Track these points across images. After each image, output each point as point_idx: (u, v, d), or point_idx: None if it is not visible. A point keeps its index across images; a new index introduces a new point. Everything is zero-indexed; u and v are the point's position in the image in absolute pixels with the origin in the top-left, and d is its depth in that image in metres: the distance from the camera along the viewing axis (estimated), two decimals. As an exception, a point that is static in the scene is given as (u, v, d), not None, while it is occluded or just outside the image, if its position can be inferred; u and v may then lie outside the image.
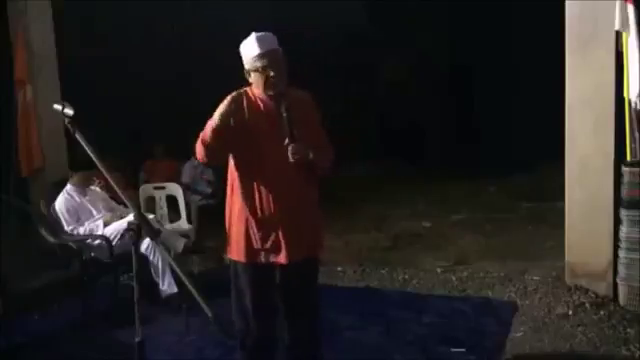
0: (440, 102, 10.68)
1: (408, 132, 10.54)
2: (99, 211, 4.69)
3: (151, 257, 4.42)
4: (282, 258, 2.73)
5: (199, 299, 2.02)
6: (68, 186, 4.70)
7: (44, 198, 4.82)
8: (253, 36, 2.67)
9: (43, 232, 4.52)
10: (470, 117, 10.70)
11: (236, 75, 2.75)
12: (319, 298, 2.99)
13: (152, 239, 2.32)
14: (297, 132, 2.61)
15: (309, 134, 2.69)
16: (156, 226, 3.93)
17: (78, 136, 2.20)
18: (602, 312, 3.94)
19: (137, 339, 2.21)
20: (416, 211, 7.27)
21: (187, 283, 2.07)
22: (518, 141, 9.06)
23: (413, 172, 9.34)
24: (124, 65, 7.45)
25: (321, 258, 3.04)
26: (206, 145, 2.62)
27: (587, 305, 4.03)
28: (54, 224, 4.59)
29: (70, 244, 4.49)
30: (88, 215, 4.65)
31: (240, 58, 2.72)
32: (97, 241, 4.45)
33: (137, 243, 2.37)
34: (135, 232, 2.20)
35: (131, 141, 7.47)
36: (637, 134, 3.96)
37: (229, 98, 2.64)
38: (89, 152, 2.18)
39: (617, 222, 4.05)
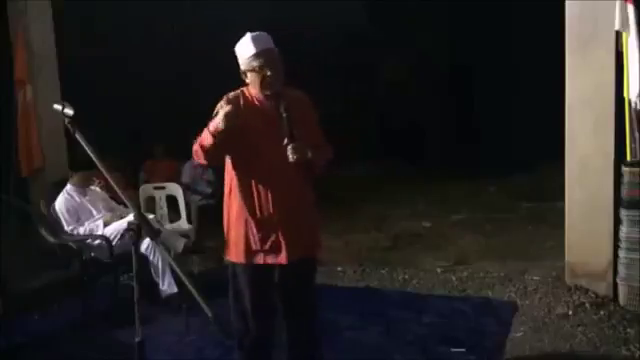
0: (440, 102, 10.68)
1: (408, 132, 10.54)
2: (99, 211, 4.69)
3: (151, 257, 4.42)
4: (281, 259, 2.72)
5: (199, 299, 2.02)
6: (68, 186, 4.70)
7: (44, 198, 4.82)
8: (248, 36, 2.66)
9: (43, 232, 4.52)
10: (470, 117, 10.70)
11: (236, 75, 2.74)
12: (317, 298, 2.99)
13: (152, 239, 2.32)
14: (296, 132, 2.60)
15: (307, 133, 2.69)
16: (156, 226, 3.93)
17: (78, 136, 2.20)
18: (602, 312, 3.94)
19: (137, 339, 2.21)
20: (416, 211, 7.28)
21: (187, 283, 2.07)
22: (518, 141, 9.06)
23: (413, 172, 9.34)
24: (124, 65, 7.46)
25: (321, 258, 3.05)
26: (207, 147, 2.60)
27: (587, 305, 4.03)
28: (54, 224, 4.59)
29: (70, 244, 4.49)
30: (88, 215, 4.65)
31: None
32: (97, 241, 4.45)
33: (137, 243, 2.37)
34: (135, 232, 2.20)
35: (131, 141, 7.48)
36: (637, 134, 3.96)
37: (227, 100, 2.63)
38: (89, 152, 2.18)
39: (617, 222, 4.05)
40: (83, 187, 4.73)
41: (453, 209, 7.17)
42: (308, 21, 9.32)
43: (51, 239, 4.50)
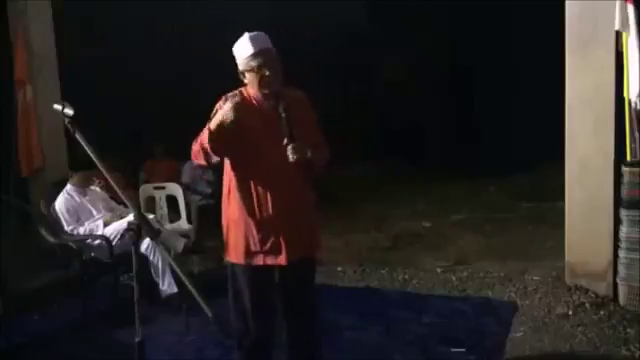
0: (440, 102, 10.68)
1: (408, 132, 10.54)
2: (99, 211, 4.69)
3: (151, 257, 4.42)
4: (281, 259, 2.72)
5: (199, 299, 2.02)
6: (68, 186, 4.70)
7: (44, 198, 4.82)
8: (246, 36, 2.65)
9: (43, 232, 4.52)
10: (470, 117, 10.70)
11: (236, 75, 2.74)
12: (317, 298, 2.99)
13: (152, 239, 2.32)
14: (296, 132, 2.60)
15: (306, 133, 2.67)
16: (156, 226, 3.93)
17: (78, 136, 2.19)
18: (602, 312, 3.94)
19: (137, 339, 2.21)
20: (416, 211, 7.28)
21: (187, 283, 2.07)
22: (518, 141, 9.06)
23: (413, 172, 9.34)
24: (124, 65, 7.46)
25: (321, 258, 3.04)
26: (206, 148, 2.58)
27: (587, 305, 4.03)
28: (54, 224, 4.59)
29: (70, 244, 4.49)
30: (88, 215, 4.65)
31: None
32: (97, 241, 4.45)
33: (137, 243, 2.37)
34: (135, 232, 2.20)
35: (131, 141, 7.48)
36: (637, 134, 3.96)
37: (225, 100, 2.62)
38: (89, 152, 2.18)
39: (617, 222, 4.05)
40: (83, 187, 4.73)
41: (453, 209, 7.17)
42: (308, 21, 9.32)
43: (51, 239, 4.50)
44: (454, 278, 4.80)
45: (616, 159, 4.06)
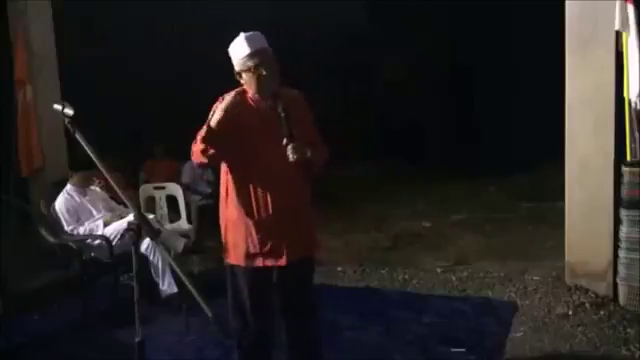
0: (440, 102, 10.68)
1: (408, 132, 10.54)
2: (99, 211, 4.69)
3: (151, 257, 4.42)
4: (281, 261, 2.71)
5: (199, 299, 2.02)
6: (68, 186, 4.70)
7: (44, 198, 4.82)
8: (242, 36, 2.64)
9: (43, 232, 4.52)
10: (470, 117, 10.70)
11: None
12: (317, 298, 2.99)
13: (152, 239, 2.32)
14: (296, 131, 2.59)
15: (304, 133, 2.67)
16: (156, 226, 3.93)
17: (78, 136, 2.19)
18: (602, 312, 3.94)
19: (137, 339, 2.21)
20: (416, 211, 7.28)
21: (187, 283, 2.07)
22: (518, 141, 9.06)
23: (413, 172, 9.34)
24: (124, 65, 7.46)
25: (321, 258, 3.04)
26: (205, 147, 2.57)
27: (587, 305, 4.03)
28: (54, 224, 4.59)
29: (70, 244, 4.49)
30: (88, 215, 4.65)
31: None
32: (97, 241, 4.45)
33: (137, 243, 2.36)
34: (135, 232, 2.20)
35: (131, 141, 7.48)
36: (637, 134, 3.96)
37: (222, 100, 2.61)
38: (89, 152, 2.18)
39: (617, 222, 4.05)
40: (83, 187, 4.73)
41: (453, 209, 7.17)
42: (308, 21, 9.32)
43: (51, 239, 4.50)
44: (454, 278, 4.80)
45: (616, 159, 4.06)
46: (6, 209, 5.30)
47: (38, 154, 5.47)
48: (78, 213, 4.62)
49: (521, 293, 4.39)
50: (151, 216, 4.59)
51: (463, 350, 3.58)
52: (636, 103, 3.92)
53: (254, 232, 2.69)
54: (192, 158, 2.69)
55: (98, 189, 4.87)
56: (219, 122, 2.54)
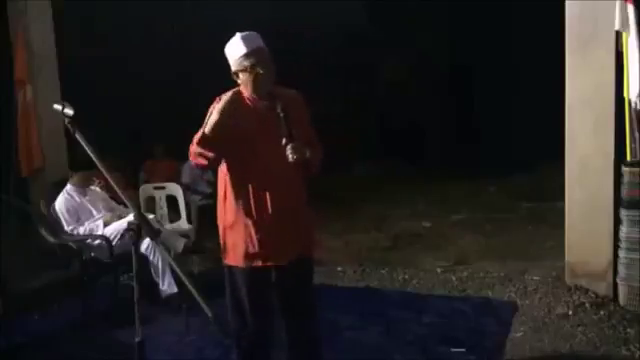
0: (440, 102, 10.69)
1: (408, 132, 10.54)
2: (99, 211, 4.69)
3: (151, 257, 4.42)
4: (280, 260, 2.71)
5: (199, 299, 2.02)
6: (68, 186, 4.70)
7: (44, 198, 4.82)
8: (238, 36, 2.63)
9: (43, 232, 4.52)
10: (470, 117, 10.71)
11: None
12: (317, 298, 2.98)
13: (152, 239, 2.32)
14: (295, 131, 2.58)
15: (302, 133, 2.66)
16: (156, 226, 3.92)
17: (78, 136, 2.19)
18: (602, 312, 3.94)
19: (137, 339, 2.21)
20: (416, 211, 7.28)
21: (187, 283, 2.07)
22: (518, 141, 9.06)
23: (413, 172, 9.35)
24: (124, 65, 7.46)
25: (321, 258, 3.04)
26: (203, 147, 2.55)
27: (587, 305, 4.03)
28: (54, 224, 4.59)
29: (70, 244, 4.49)
30: (88, 215, 4.65)
31: None
32: (97, 241, 4.45)
33: (137, 243, 2.36)
34: (135, 232, 2.20)
35: (131, 141, 7.48)
36: (637, 134, 3.96)
37: (219, 100, 2.60)
38: (89, 152, 2.18)
39: (617, 222, 4.05)
40: (83, 187, 4.73)
41: (453, 209, 7.17)
42: (308, 21, 9.32)
43: (51, 239, 4.50)
44: (454, 278, 4.80)
45: (616, 159, 4.06)
46: (6, 209, 5.30)
47: (38, 154, 5.47)
48: (78, 213, 4.62)
49: (521, 293, 4.39)
50: (151, 216, 4.59)
51: (463, 350, 3.58)
52: (636, 103, 3.92)
53: (253, 232, 2.68)
54: (190, 159, 2.68)
55: (98, 189, 4.87)
56: (216, 123, 2.52)
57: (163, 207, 5.86)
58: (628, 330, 3.70)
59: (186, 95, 7.85)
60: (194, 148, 2.60)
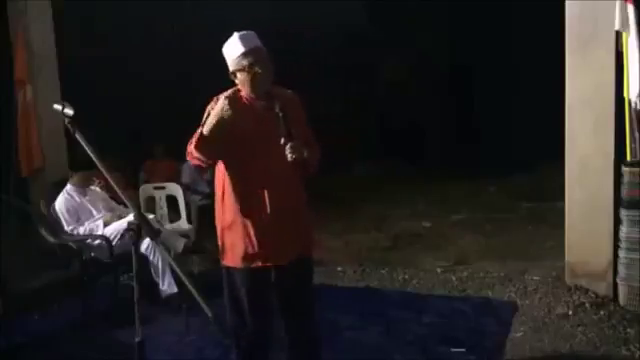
0: (440, 102, 10.69)
1: (408, 132, 10.54)
2: (99, 211, 4.69)
3: (151, 257, 4.42)
4: (280, 260, 2.71)
5: (199, 299, 2.02)
6: (68, 186, 4.70)
7: (44, 198, 4.82)
8: (235, 35, 2.63)
9: (43, 232, 4.52)
10: (470, 117, 10.71)
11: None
12: (317, 298, 2.98)
13: (152, 239, 2.32)
14: (294, 131, 2.58)
15: (300, 133, 2.65)
16: (156, 226, 3.93)
17: (78, 136, 2.19)
18: (602, 312, 3.94)
19: (137, 339, 2.21)
20: (416, 211, 7.28)
21: (187, 283, 2.07)
22: (518, 141, 9.06)
23: (413, 172, 9.35)
24: (124, 65, 7.46)
25: (321, 258, 3.04)
26: (202, 147, 2.54)
27: (587, 305, 4.03)
28: (54, 224, 4.59)
29: (70, 244, 4.49)
30: (88, 215, 4.65)
31: None
32: (97, 241, 4.45)
33: (137, 243, 2.36)
34: (135, 232, 2.20)
35: (131, 141, 7.48)
36: (637, 134, 3.97)
37: (217, 100, 2.59)
38: (89, 152, 2.18)
39: (617, 222, 4.05)
40: (83, 187, 4.73)
41: (453, 209, 7.17)
42: (308, 21, 9.32)
43: (51, 239, 4.50)
44: (454, 278, 4.80)
45: (616, 159, 4.06)
46: (6, 209, 5.30)
47: (38, 154, 5.47)
48: (78, 213, 4.62)
49: (521, 293, 4.39)
50: (151, 216, 4.59)
51: (463, 350, 3.58)
52: (636, 103, 3.92)
53: (252, 232, 2.67)
54: (188, 159, 2.67)
55: (98, 189, 4.87)
56: (215, 123, 2.51)
57: (163, 207, 5.86)
58: (628, 330, 3.70)
59: (186, 95, 7.83)
60: (192, 148, 2.59)
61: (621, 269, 4.02)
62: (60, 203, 4.61)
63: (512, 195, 7.73)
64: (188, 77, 8.26)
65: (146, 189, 5.98)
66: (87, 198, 4.72)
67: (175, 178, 6.45)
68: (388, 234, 6.36)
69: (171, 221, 5.78)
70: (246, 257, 2.69)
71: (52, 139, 5.46)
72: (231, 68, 2.65)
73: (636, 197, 3.91)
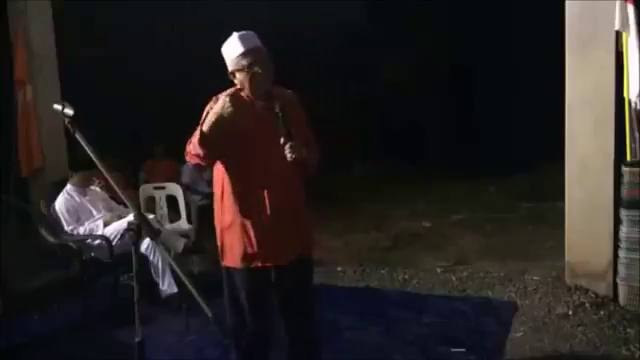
0: (440, 102, 10.69)
1: (408, 132, 10.54)
2: (99, 211, 4.69)
3: (151, 257, 4.42)
4: (279, 260, 2.70)
5: (199, 299, 2.02)
6: (68, 186, 4.70)
7: (44, 198, 4.82)
8: (235, 35, 2.62)
9: (43, 232, 4.52)
10: (470, 117, 10.71)
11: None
12: (317, 298, 2.98)
13: (152, 239, 2.32)
14: (294, 130, 2.57)
15: (300, 133, 2.64)
16: (156, 226, 3.93)
17: (78, 136, 2.19)
18: (602, 312, 3.94)
19: (137, 339, 2.21)
20: (416, 211, 7.28)
21: (187, 283, 2.07)
22: (518, 141, 9.06)
23: (413, 172, 9.35)
24: (124, 65, 7.46)
25: (321, 258, 3.03)
26: (201, 146, 2.53)
27: (587, 305, 4.03)
28: (54, 224, 4.59)
29: (70, 244, 4.49)
30: (88, 215, 4.65)
31: None
32: (97, 241, 4.45)
33: (137, 243, 2.36)
34: (135, 232, 2.20)
35: (131, 141, 7.48)
36: (637, 134, 3.97)
37: (216, 100, 2.58)
38: (89, 152, 2.18)
39: (617, 222, 4.05)
40: (83, 187, 4.73)
41: (453, 209, 7.17)
42: (308, 21, 9.32)
43: (51, 239, 4.50)
44: (454, 278, 4.80)
45: (616, 159, 4.06)
46: (6, 209, 5.30)
47: (38, 154, 5.47)
48: (78, 213, 4.62)
49: (521, 293, 4.39)
50: (151, 216, 4.59)
51: (463, 350, 3.58)
52: (636, 103, 3.92)
53: (252, 233, 2.66)
54: (187, 159, 2.66)
55: (98, 189, 4.88)
56: (215, 120, 2.51)
57: (163, 207, 5.86)
58: (628, 330, 3.70)
59: (186, 95, 7.83)
60: (191, 147, 2.59)
61: (621, 269, 4.02)
62: (60, 203, 4.61)
63: (512, 195, 7.73)
64: (188, 77, 8.25)
65: (146, 189, 5.98)
66: (87, 198, 4.72)
67: (175, 178, 6.45)
68: (388, 234, 6.36)
69: (171, 221, 5.78)
70: (246, 257, 2.69)
71: (52, 139, 5.46)
72: (230, 68, 2.64)
73: (636, 197, 3.91)
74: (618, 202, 4.03)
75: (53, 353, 3.92)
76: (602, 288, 4.15)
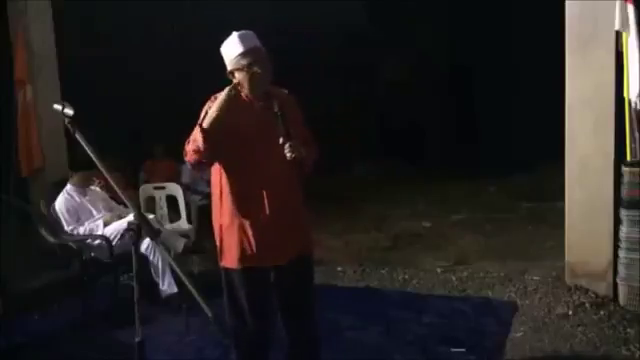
0: (440, 102, 10.69)
1: (408, 132, 10.54)
2: (99, 211, 4.69)
3: (151, 257, 4.42)
4: (278, 260, 2.70)
5: (199, 299, 2.02)
6: (68, 186, 4.70)
7: (44, 198, 4.82)
8: (234, 35, 2.62)
9: (43, 232, 4.53)
10: (470, 117, 10.70)
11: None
12: (317, 298, 2.97)
13: (152, 239, 2.32)
14: (293, 130, 2.57)
15: (298, 132, 2.65)
16: (156, 226, 3.92)
17: (78, 136, 2.19)
18: (602, 312, 3.94)
19: (137, 339, 2.21)
20: (416, 211, 7.28)
21: (187, 283, 2.07)
22: (518, 141, 9.06)
23: (413, 172, 9.35)
24: (124, 65, 7.46)
25: (321, 258, 3.03)
26: (199, 146, 2.52)
27: (587, 305, 4.03)
28: (54, 224, 4.59)
29: (70, 244, 4.49)
30: (88, 215, 4.65)
31: None
32: (97, 241, 4.46)
33: (137, 243, 2.36)
34: (135, 232, 2.20)
35: (131, 141, 7.48)
36: (637, 134, 3.97)
37: (220, 99, 2.57)
38: (89, 152, 2.18)
39: (617, 222, 4.05)
40: (83, 187, 4.73)
41: (453, 209, 7.17)
42: (308, 21, 9.31)
43: (51, 239, 4.50)
44: (454, 278, 4.80)
45: (616, 159, 4.06)
46: (6, 209, 5.30)
47: (38, 154, 5.47)
48: (78, 213, 4.62)
49: (521, 293, 4.39)
50: (151, 216, 4.59)
51: (463, 350, 3.58)
52: (636, 103, 3.92)
53: (250, 233, 2.66)
54: (186, 159, 2.64)
55: (98, 189, 4.88)
56: (212, 122, 2.51)
57: (163, 207, 5.87)
58: (628, 330, 3.70)
59: (186, 95, 7.83)
60: (189, 147, 2.58)
61: (621, 269, 4.02)
62: (60, 203, 4.61)
63: (512, 195, 7.73)
64: (188, 77, 8.25)
65: (146, 189, 5.98)
66: (87, 198, 4.72)
67: (175, 178, 6.45)
68: (388, 234, 6.36)
69: (171, 221, 5.78)
70: (245, 258, 2.68)
71: (52, 139, 5.46)
72: (229, 67, 2.64)
73: (636, 197, 3.91)
74: (618, 202, 4.03)
75: (53, 353, 3.92)
76: (602, 288, 4.15)
